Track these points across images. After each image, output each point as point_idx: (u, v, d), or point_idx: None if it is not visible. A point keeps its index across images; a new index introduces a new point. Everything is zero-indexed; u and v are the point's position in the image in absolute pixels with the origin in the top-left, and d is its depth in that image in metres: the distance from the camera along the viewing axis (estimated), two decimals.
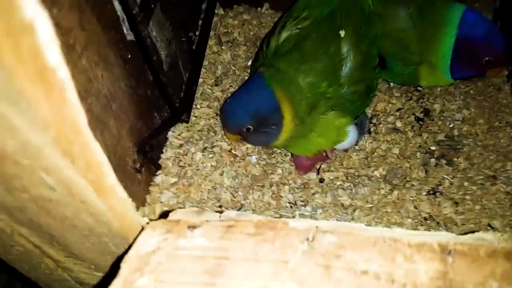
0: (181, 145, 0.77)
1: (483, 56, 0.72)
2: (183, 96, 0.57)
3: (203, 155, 0.76)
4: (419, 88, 0.86)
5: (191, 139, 0.78)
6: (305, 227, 0.33)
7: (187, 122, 0.58)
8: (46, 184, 0.29)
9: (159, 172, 0.72)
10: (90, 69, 0.50)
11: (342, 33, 0.69)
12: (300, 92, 0.67)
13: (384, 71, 0.82)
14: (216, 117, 0.83)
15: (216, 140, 0.79)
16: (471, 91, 0.84)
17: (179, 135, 0.79)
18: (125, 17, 0.59)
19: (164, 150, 0.76)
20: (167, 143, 0.77)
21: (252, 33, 0.96)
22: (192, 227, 0.34)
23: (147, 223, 0.35)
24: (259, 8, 0.99)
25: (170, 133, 0.79)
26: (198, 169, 0.74)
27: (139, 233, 0.34)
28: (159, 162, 0.74)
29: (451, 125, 0.80)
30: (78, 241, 0.38)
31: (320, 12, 0.71)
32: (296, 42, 0.70)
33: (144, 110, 0.67)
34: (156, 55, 0.47)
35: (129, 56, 0.61)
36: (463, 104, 0.83)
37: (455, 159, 0.76)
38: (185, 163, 0.75)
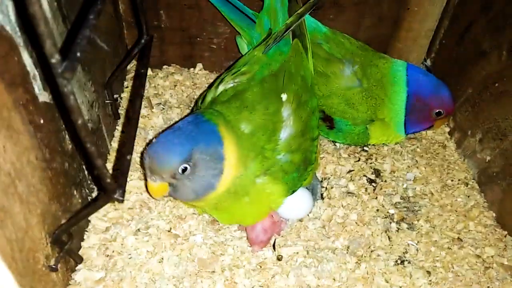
0: (107, 229, 0.63)
1: (435, 108, 0.72)
2: (115, 168, 0.45)
3: (136, 238, 0.63)
4: (365, 148, 0.83)
5: (120, 220, 0.64)
6: None
7: (122, 201, 0.45)
8: None
9: (80, 266, 0.57)
10: None
11: (284, 96, 0.63)
12: (241, 138, 0.58)
13: (332, 131, 0.77)
14: None
15: (152, 219, 0.66)
16: (418, 149, 0.82)
17: (104, 215, 0.64)
18: (36, 73, 0.47)
19: (85, 237, 0.61)
20: (89, 227, 0.63)
21: (185, 94, 0.87)
22: None
23: None
24: (191, 69, 0.92)
25: (94, 215, 0.64)
26: (130, 258, 0.60)
27: None
28: (80, 252, 0.58)
29: (404, 186, 0.76)
30: None
31: (261, 70, 0.66)
32: (235, 93, 0.64)
33: (60, 188, 0.53)
34: (81, 118, 0.36)
35: (42, 121, 0.48)
36: (412, 163, 0.80)
37: (415, 222, 0.71)
38: (113, 251, 0.60)
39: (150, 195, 0.63)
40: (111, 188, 0.43)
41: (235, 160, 0.56)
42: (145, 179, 0.60)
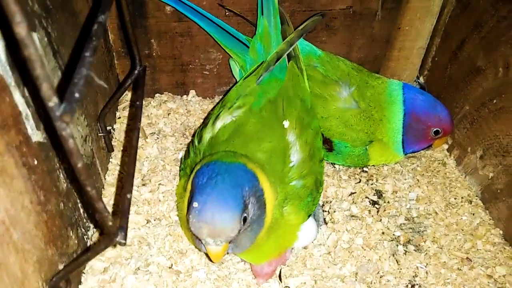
0: (105, 269, 0.60)
1: (432, 127, 0.72)
2: (115, 209, 0.42)
3: (136, 278, 0.60)
4: (365, 169, 0.82)
5: (118, 259, 0.62)
6: None
7: (124, 244, 0.43)
8: None
9: None
10: None
11: (286, 123, 0.62)
12: (264, 167, 0.57)
13: (332, 153, 0.76)
14: (147, 225, 0.67)
15: (151, 255, 0.63)
16: (418, 168, 0.81)
17: (101, 255, 0.62)
18: (29, 112, 0.45)
19: (83, 279, 0.58)
20: (86, 268, 0.60)
21: (179, 122, 0.85)
22: None
23: None
24: (184, 96, 0.90)
25: None
26: None
27: None
28: None
29: (407, 206, 0.75)
30: None
31: (257, 101, 0.65)
32: (235, 129, 0.62)
33: (56, 231, 0.50)
34: (81, 161, 0.34)
35: (35, 162, 0.45)
36: (414, 182, 0.79)
37: (422, 243, 0.69)
38: None
39: (211, 261, 0.58)
40: (112, 231, 0.40)
41: (269, 191, 0.54)
42: (196, 245, 0.56)
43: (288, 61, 0.69)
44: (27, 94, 0.44)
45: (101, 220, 0.39)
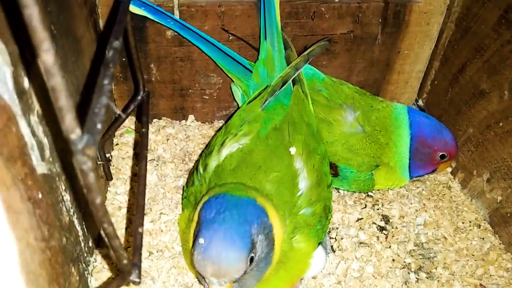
0: None
1: (439, 151, 0.71)
2: (127, 246, 0.40)
3: None
4: (370, 194, 0.80)
5: None
6: None
7: (139, 283, 0.40)
8: None
9: None
10: None
11: (293, 150, 0.61)
12: (272, 199, 0.55)
13: (337, 178, 0.75)
14: (150, 258, 0.64)
15: None
16: (424, 192, 0.80)
17: None
18: (34, 143, 0.42)
19: None
20: None
21: (178, 148, 0.83)
22: None
23: None
24: (183, 121, 0.88)
25: None
26: None
27: None
28: None
29: (416, 231, 0.74)
30: None
31: (264, 127, 0.63)
32: (242, 157, 0.60)
33: (59, 268, 0.47)
34: (99, 197, 0.31)
35: (40, 195, 0.43)
36: (420, 206, 0.78)
37: (434, 270, 0.68)
38: None
39: None
40: (127, 270, 0.38)
41: (278, 226, 0.52)
42: (199, 280, 0.54)
43: (293, 86, 0.68)
44: (32, 123, 0.42)
45: (116, 258, 0.36)
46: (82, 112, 0.32)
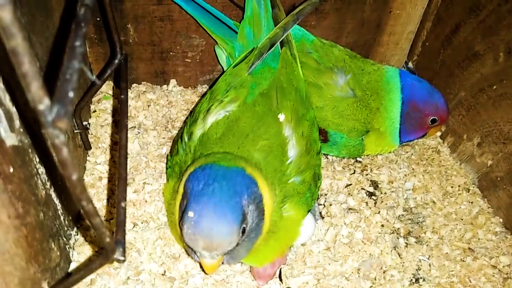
0: (92, 281, 0.54)
1: (430, 116, 0.69)
2: (109, 218, 0.37)
3: None
4: (359, 159, 0.79)
5: (106, 269, 0.56)
6: None
7: (123, 261, 0.37)
8: None
9: None
10: None
11: (282, 117, 0.58)
12: (262, 169, 0.53)
13: (326, 144, 0.72)
14: (135, 229, 0.62)
15: (142, 262, 0.58)
16: (413, 157, 0.79)
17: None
18: (1, 113, 0.38)
19: None
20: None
21: (161, 114, 0.79)
22: None
23: None
24: (165, 86, 0.84)
25: (73, 264, 0.55)
26: None
27: None
28: None
29: (404, 196, 0.73)
30: None
31: (251, 93, 0.60)
32: (228, 126, 0.57)
33: (37, 245, 0.44)
34: (76, 173, 0.28)
35: (11, 169, 0.39)
36: (409, 171, 0.77)
37: (423, 235, 0.68)
38: None
39: (205, 273, 0.55)
40: (110, 248, 0.35)
41: (268, 196, 0.49)
42: (189, 253, 0.52)
43: (281, 48, 0.64)
44: None
45: (98, 237, 0.34)
46: (53, 79, 0.29)
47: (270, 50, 0.62)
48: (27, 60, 0.22)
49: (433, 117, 0.69)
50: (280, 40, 0.63)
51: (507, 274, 0.62)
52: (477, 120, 0.71)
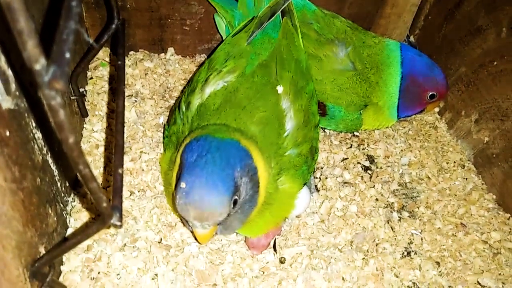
0: (89, 247, 0.55)
1: (429, 91, 0.69)
2: (106, 186, 0.37)
3: (123, 255, 0.55)
4: (356, 134, 0.79)
5: (103, 236, 0.57)
6: None
7: (120, 226, 0.38)
8: None
9: None
10: None
11: (280, 89, 0.57)
12: (257, 141, 0.52)
13: (324, 118, 0.72)
14: (131, 197, 0.62)
15: (138, 230, 0.59)
16: (410, 132, 0.79)
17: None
18: None
19: (64, 259, 0.53)
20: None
21: (158, 83, 0.78)
22: None
23: None
24: (162, 54, 0.82)
25: (70, 230, 0.56)
26: (120, 278, 0.53)
27: None
28: (60, 279, 0.50)
29: (400, 171, 0.73)
30: None
31: (250, 63, 0.59)
32: (226, 97, 0.56)
33: (34, 209, 0.44)
34: (73, 136, 0.28)
35: (7, 133, 0.39)
36: (405, 146, 0.77)
37: (416, 209, 0.68)
38: (99, 273, 0.53)
39: (199, 243, 0.56)
40: (107, 213, 0.35)
41: (263, 168, 0.49)
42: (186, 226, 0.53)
43: (282, 17, 0.63)
44: None
45: (95, 202, 0.34)
46: (49, 43, 0.28)
47: (271, 19, 0.61)
48: (22, 16, 0.21)
49: (432, 93, 0.69)
50: (281, 9, 0.62)
51: (497, 249, 0.63)
52: (476, 96, 0.71)
